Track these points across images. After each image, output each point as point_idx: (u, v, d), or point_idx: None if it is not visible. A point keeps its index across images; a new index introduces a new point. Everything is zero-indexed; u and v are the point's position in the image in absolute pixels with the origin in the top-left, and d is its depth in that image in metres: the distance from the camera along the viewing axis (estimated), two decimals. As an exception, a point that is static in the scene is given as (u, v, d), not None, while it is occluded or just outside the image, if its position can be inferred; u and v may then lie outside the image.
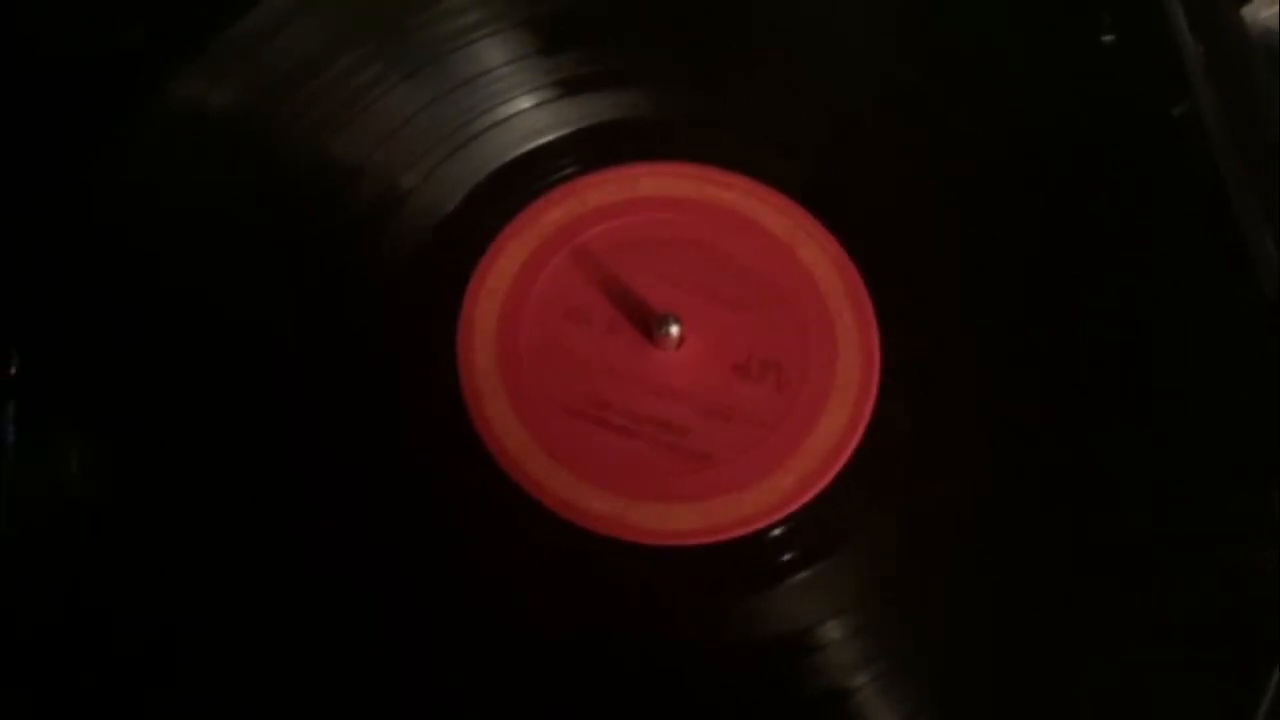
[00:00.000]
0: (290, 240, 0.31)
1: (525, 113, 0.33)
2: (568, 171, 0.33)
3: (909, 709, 0.26)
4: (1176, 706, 0.27)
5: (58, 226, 0.30)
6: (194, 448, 0.28)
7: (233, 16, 0.33)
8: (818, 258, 0.32)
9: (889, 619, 0.27)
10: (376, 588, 0.27)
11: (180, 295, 0.30)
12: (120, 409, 0.28)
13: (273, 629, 0.26)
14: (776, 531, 0.28)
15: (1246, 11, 0.40)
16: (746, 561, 0.28)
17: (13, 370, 0.28)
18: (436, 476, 0.28)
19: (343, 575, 0.27)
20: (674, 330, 0.30)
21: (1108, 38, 0.36)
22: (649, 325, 0.30)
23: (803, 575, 0.28)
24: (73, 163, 0.31)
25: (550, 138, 0.33)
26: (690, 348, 0.30)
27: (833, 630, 0.27)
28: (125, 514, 0.27)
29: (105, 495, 0.27)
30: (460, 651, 0.26)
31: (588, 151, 0.33)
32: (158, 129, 0.32)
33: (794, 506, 0.28)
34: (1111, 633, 0.27)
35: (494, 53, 0.34)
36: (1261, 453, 0.29)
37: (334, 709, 0.26)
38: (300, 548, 0.27)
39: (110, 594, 0.26)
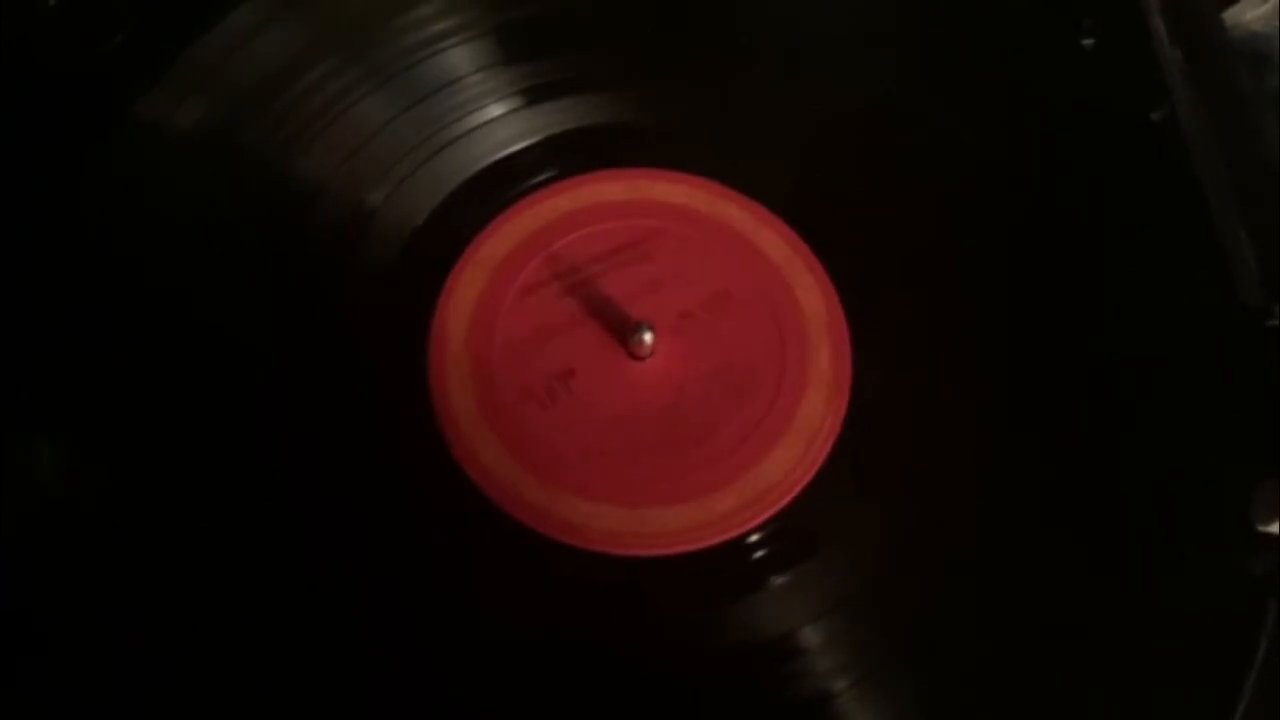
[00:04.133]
0: (260, 256, 0.32)
1: (495, 121, 0.34)
2: (538, 179, 0.34)
3: (890, 714, 0.27)
4: (1160, 709, 0.28)
5: (23, 243, 0.31)
6: (167, 456, 0.29)
7: (195, 34, 0.34)
8: (793, 262, 0.33)
9: (869, 623, 0.28)
10: (351, 601, 0.28)
11: (152, 312, 0.31)
12: (92, 417, 0.30)
13: (245, 633, 0.27)
14: (754, 536, 0.29)
15: (1232, 12, 0.42)
16: (724, 567, 0.29)
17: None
18: (409, 491, 0.30)
19: (315, 584, 0.28)
20: (648, 338, 0.31)
21: (1087, 42, 0.38)
22: (623, 333, 0.31)
23: (781, 580, 0.29)
24: (37, 180, 0.32)
25: (520, 146, 0.34)
26: (664, 355, 0.32)
27: (812, 635, 0.28)
28: (99, 514, 0.28)
29: (76, 495, 0.28)
30: (436, 666, 0.27)
31: (558, 159, 0.34)
32: (123, 149, 0.33)
33: (771, 512, 0.30)
34: (1094, 636, 0.28)
35: (462, 61, 0.35)
36: (1240, 455, 0.30)
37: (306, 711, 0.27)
38: (274, 563, 0.28)
39: (81, 593, 0.27)
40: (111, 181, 0.32)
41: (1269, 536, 0.29)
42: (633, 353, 0.31)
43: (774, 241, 0.34)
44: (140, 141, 0.33)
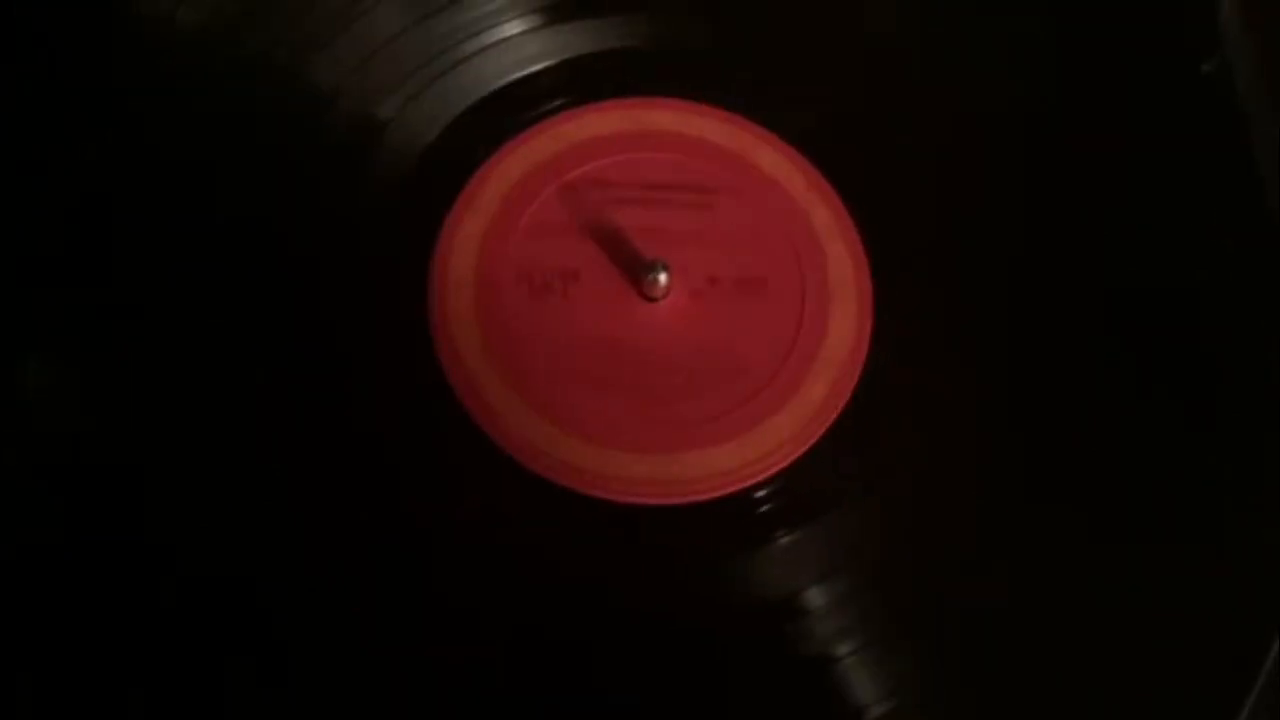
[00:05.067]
0: (260, 168, 0.31)
1: (514, 39, 0.33)
2: (556, 104, 0.33)
3: (894, 679, 0.27)
4: (1167, 677, 0.27)
5: (17, 154, 0.30)
6: (165, 372, 0.29)
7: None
8: (817, 205, 0.32)
9: (877, 585, 0.28)
10: (346, 538, 0.27)
11: (145, 222, 0.30)
12: (86, 329, 0.29)
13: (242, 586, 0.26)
14: (763, 490, 0.29)
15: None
16: (731, 520, 0.29)
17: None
18: (407, 430, 0.29)
19: (310, 525, 0.27)
20: (662, 278, 0.30)
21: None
22: (636, 271, 0.30)
23: (788, 537, 0.28)
24: (34, 84, 0.31)
25: (539, 67, 0.33)
26: (678, 296, 0.31)
27: (817, 596, 0.28)
28: (103, 432, 0.28)
29: (74, 406, 0.28)
30: (440, 617, 0.27)
31: (579, 83, 0.33)
32: (124, 45, 0.32)
33: (782, 465, 0.29)
34: (1101, 603, 0.28)
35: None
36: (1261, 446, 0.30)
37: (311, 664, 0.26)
38: (268, 491, 0.27)
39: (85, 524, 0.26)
40: (111, 79, 0.31)
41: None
42: (646, 292, 0.30)
43: (795, 178, 0.33)
44: (139, 42, 0.32)
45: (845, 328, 0.31)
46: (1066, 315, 0.32)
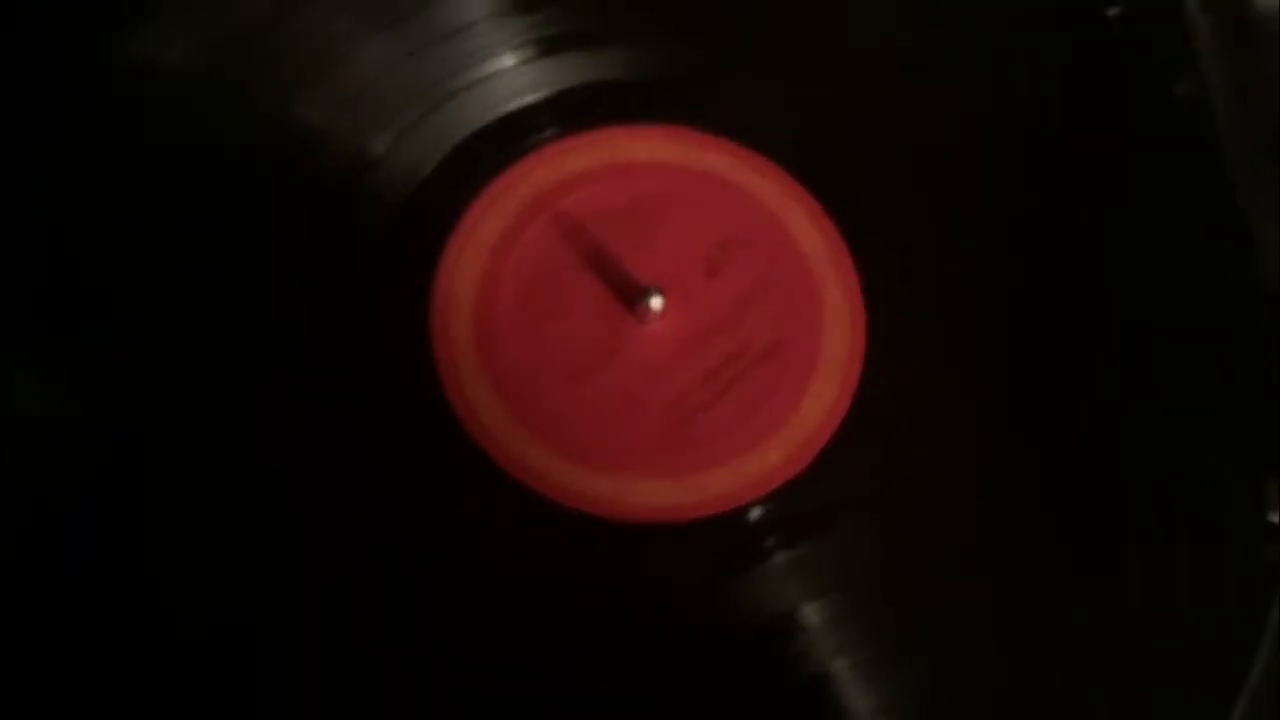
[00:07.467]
0: (252, 209, 0.31)
1: (506, 72, 0.34)
2: (549, 134, 0.33)
3: (889, 696, 0.28)
4: (1164, 697, 0.28)
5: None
6: (166, 391, 0.29)
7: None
8: (806, 226, 0.33)
9: (872, 603, 0.29)
10: (348, 567, 0.28)
11: (135, 266, 0.30)
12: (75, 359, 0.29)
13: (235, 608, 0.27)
14: (758, 510, 0.29)
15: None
16: (727, 540, 0.29)
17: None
18: (410, 455, 0.29)
19: (309, 551, 0.28)
20: (656, 303, 0.30)
21: (1113, 10, 0.38)
22: (631, 297, 0.31)
23: (785, 555, 0.29)
24: (16, 128, 0.31)
25: (532, 98, 0.34)
26: (673, 320, 0.31)
27: (813, 614, 0.28)
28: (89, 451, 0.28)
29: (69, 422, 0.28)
30: (436, 635, 0.27)
31: (571, 113, 0.33)
32: (106, 88, 0.32)
33: (777, 484, 0.30)
34: (1103, 622, 0.29)
35: (473, 7, 0.34)
36: (1256, 446, 0.31)
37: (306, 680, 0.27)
38: (267, 533, 0.28)
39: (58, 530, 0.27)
40: (89, 124, 0.31)
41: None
42: (641, 317, 0.31)
43: (788, 204, 0.33)
44: (125, 80, 0.32)
45: (839, 346, 0.32)
46: (1067, 338, 0.33)
